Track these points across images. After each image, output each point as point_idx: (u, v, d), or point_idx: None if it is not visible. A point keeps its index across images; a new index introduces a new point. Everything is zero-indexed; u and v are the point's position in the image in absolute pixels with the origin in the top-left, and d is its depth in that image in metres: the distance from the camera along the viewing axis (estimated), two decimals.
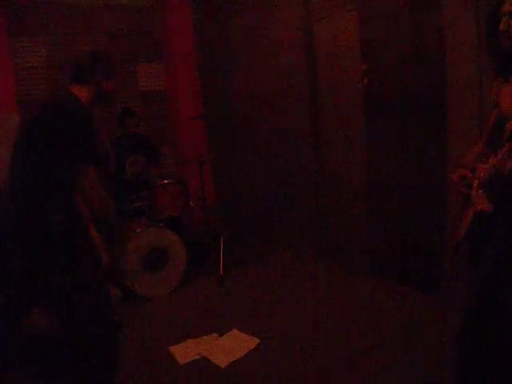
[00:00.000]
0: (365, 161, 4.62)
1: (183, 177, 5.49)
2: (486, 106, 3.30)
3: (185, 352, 3.61)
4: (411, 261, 4.29)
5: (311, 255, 5.28)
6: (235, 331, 3.86)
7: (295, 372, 3.24)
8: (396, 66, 4.21)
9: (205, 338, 3.79)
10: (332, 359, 3.33)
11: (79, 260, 2.61)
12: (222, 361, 3.45)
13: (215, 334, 3.84)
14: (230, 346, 3.65)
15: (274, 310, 4.19)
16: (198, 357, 3.53)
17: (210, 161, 5.68)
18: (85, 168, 2.56)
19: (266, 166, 5.81)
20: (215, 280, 4.88)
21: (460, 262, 2.51)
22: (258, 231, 5.92)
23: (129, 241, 4.51)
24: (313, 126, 5.12)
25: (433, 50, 3.83)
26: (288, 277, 4.89)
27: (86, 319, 2.61)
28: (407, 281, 4.29)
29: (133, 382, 3.23)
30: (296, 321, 3.97)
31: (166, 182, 5.03)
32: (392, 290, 4.31)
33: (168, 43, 6.28)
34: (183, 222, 5.29)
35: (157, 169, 5.45)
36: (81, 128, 2.55)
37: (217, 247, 5.15)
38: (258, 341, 3.67)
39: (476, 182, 2.33)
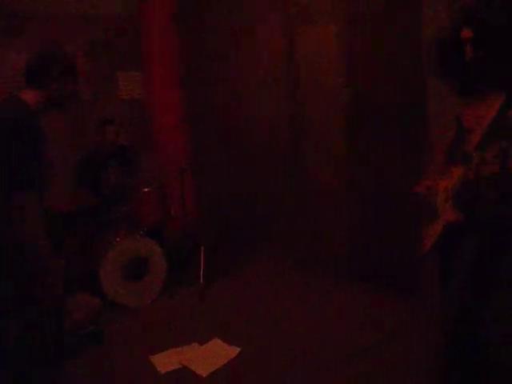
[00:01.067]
0: (345, 169, 4.65)
1: (164, 185, 5.47)
2: None
3: (165, 361, 3.59)
4: (392, 267, 4.32)
5: (292, 263, 5.28)
6: (216, 340, 3.85)
7: (276, 381, 3.24)
8: (376, 77, 4.26)
9: (185, 347, 3.78)
10: (313, 368, 3.34)
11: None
12: (202, 370, 3.44)
13: (196, 344, 3.83)
14: (210, 356, 3.64)
15: (254, 319, 4.19)
16: (178, 366, 3.51)
17: (190, 169, 5.66)
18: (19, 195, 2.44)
19: (247, 175, 5.82)
20: (196, 289, 4.85)
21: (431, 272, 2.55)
22: (240, 240, 5.92)
23: (109, 250, 4.48)
24: (294, 135, 5.14)
25: (413, 61, 3.88)
26: (269, 285, 4.89)
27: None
28: (389, 287, 4.31)
29: None
30: (277, 330, 3.97)
31: (145, 190, 5.00)
32: (374, 296, 4.33)
33: (148, 51, 6.27)
34: (164, 230, 5.26)
35: (133, 180, 5.38)
36: (20, 139, 2.41)
37: (198, 256, 5.13)
38: (238, 350, 3.67)
39: (442, 193, 2.36)
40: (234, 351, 3.67)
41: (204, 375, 3.38)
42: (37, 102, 2.57)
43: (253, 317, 4.24)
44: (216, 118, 6.15)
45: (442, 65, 2.49)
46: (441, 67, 2.51)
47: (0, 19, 5.30)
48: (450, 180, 2.32)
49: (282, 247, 5.47)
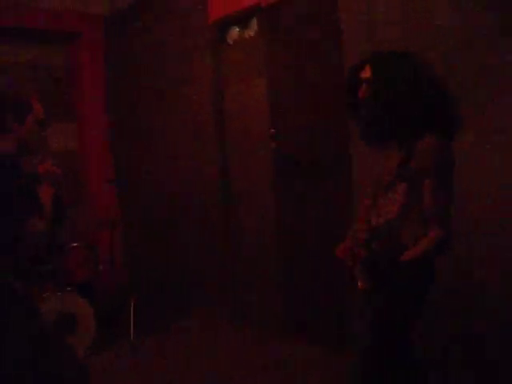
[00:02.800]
0: (274, 220, 4.71)
1: (92, 240, 5.38)
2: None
3: None
4: (324, 321, 4.34)
5: (225, 318, 5.22)
6: None
7: None
8: (303, 129, 4.39)
9: None
10: None
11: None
12: None
13: None
14: None
15: (188, 375, 4.11)
16: None
17: (120, 224, 5.60)
18: None
19: (176, 228, 5.79)
20: (127, 345, 4.73)
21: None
22: (170, 294, 5.83)
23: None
24: (222, 186, 5.19)
25: (338, 116, 4.01)
26: (203, 339, 4.83)
27: None
28: (320, 341, 4.32)
29: None
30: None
31: (74, 245, 4.90)
32: (306, 350, 4.32)
33: (79, 103, 6.26)
34: (92, 286, 5.14)
35: (60, 231, 5.24)
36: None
37: (127, 312, 5.02)
38: None
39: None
40: None
41: None
42: (9, 146, 2.55)
43: (186, 372, 4.16)
44: (145, 172, 6.14)
45: (346, 105, 2.60)
46: (346, 108, 2.62)
47: None
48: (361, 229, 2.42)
49: (214, 301, 5.41)
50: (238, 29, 4.91)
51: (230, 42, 4.99)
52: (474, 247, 3.21)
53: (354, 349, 3.91)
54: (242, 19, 4.84)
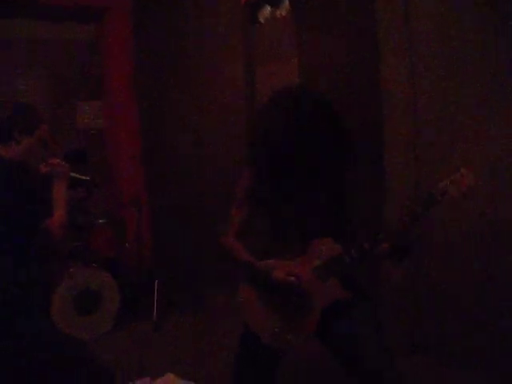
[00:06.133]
0: None
1: (120, 217, 5.39)
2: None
3: None
4: None
5: None
6: (170, 375, 3.74)
7: None
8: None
9: (137, 382, 3.66)
10: None
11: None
12: None
13: (148, 378, 3.71)
14: None
15: (209, 355, 4.11)
16: None
17: (147, 202, 5.62)
18: None
19: (203, 208, 5.77)
20: (149, 323, 4.75)
21: None
22: (195, 274, 5.84)
23: (62, 280, 4.36)
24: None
25: (371, 102, 3.94)
26: (224, 320, 4.81)
27: None
28: None
29: None
30: (231, 365, 3.88)
31: (101, 221, 4.92)
32: None
33: (107, 80, 6.25)
34: (118, 263, 5.17)
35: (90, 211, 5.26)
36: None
37: (152, 290, 5.04)
38: None
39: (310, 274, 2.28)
40: None
41: None
42: (13, 155, 2.53)
43: (207, 352, 4.16)
44: (174, 150, 6.12)
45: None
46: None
47: None
48: (316, 260, 2.28)
49: (237, 281, 5.39)
50: (269, 8, 4.84)
51: (262, 20, 4.92)
52: None
53: None
54: None
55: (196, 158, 5.82)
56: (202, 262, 5.80)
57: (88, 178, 4.77)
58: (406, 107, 3.65)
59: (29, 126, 2.58)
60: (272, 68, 4.88)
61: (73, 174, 3.02)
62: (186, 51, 5.79)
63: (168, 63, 6.07)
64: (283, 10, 4.69)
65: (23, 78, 5.64)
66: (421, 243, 2.22)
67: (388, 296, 3.80)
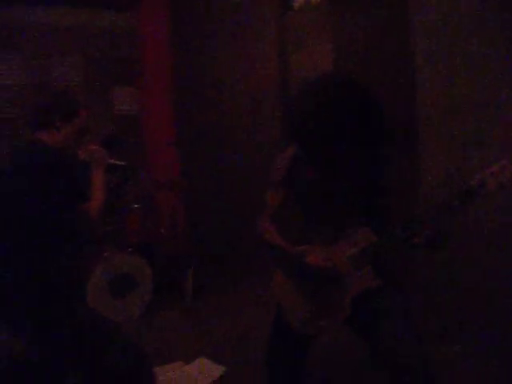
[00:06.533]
0: None
1: (154, 202, 5.44)
2: None
3: None
4: None
5: None
6: (202, 359, 3.79)
7: None
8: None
9: (170, 365, 3.72)
10: None
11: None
12: None
13: (181, 362, 3.77)
14: (195, 375, 3.58)
15: (242, 339, 4.13)
16: None
17: (182, 187, 5.65)
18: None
19: (239, 193, 5.80)
20: (183, 308, 4.81)
21: None
22: (230, 258, 5.87)
23: (97, 264, 4.43)
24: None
25: (405, 84, 3.90)
26: (258, 305, 4.84)
27: None
28: None
29: None
30: (264, 348, 3.91)
31: (136, 206, 4.97)
32: None
33: (144, 67, 6.30)
34: (153, 248, 5.22)
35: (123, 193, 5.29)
36: (55, 173, 2.42)
37: (186, 275, 5.09)
38: (224, 369, 3.62)
39: (347, 262, 2.28)
40: (219, 370, 3.61)
41: None
42: (54, 141, 2.57)
43: (241, 336, 4.19)
44: (208, 136, 6.15)
45: None
46: None
47: None
48: (350, 248, 2.27)
49: (272, 268, 5.41)
50: None
51: (296, 7, 4.90)
52: None
53: None
54: None
55: (230, 143, 5.84)
56: (236, 247, 5.84)
57: (125, 164, 4.81)
58: (441, 92, 3.60)
59: (69, 113, 2.62)
60: (306, 54, 4.86)
61: (110, 160, 3.03)
62: (221, 37, 5.80)
63: (203, 50, 6.08)
64: None
65: (60, 65, 5.71)
66: (454, 234, 2.18)
67: (417, 285, 3.79)
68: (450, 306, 3.62)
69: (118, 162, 4.58)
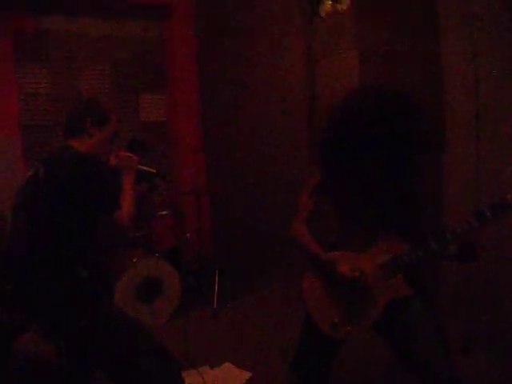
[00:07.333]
0: None
1: (181, 208, 5.50)
2: None
3: None
4: None
5: None
6: (227, 364, 3.83)
7: None
8: None
9: (196, 370, 3.74)
10: None
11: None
12: None
13: (207, 367, 3.80)
14: (221, 380, 3.61)
15: (268, 344, 4.15)
16: None
17: (207, 193, 5.70)
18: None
19: (263, 200, 5.82)
20: (209, 312, 4.84)
21: None
22: (254, 264, 5.90)
23: (125, 269, 4.48)
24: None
25: (432, 90, 3.89)
26: (283, 311, 4.86)
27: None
28: None
29: None
30: (290, 355, 3.92)
31: (163, 213, 5.03)
32: None
33: (171, 74, 6.37)
34: (179, 253, 5.27)
35: (150, 199, 5.36)
36: (89, 179, 2.45)
37: (212, 279, 5.13)
38: (250, 374, 3.64)
39: (376, 271, 2.30)
40: (245, 376, 3.64)
41: None
42: (87, 147, 2.61)
43: (266, 342, 4.21)
44: (235, 144, 6.19)
45: None
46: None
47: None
48: (382, 256, 2.30)
49: (296, 273, 5.42)
50: (330, 1, 4.83)
51: (323, 14, 4.92)
52: None
53: None
54: None
55: (256, 150, 5.87)
56: (262, 251, 5.87)
57: (155, 171, 4.85)
58: (467, 96, 3.59)
59: (100, 120, 2.66)
60: (333, 61, 4.87)
61: (140, 167, 3.07)
62: (247, 45, 5.84)
63: (229, 57, 6.13)
64: (344, 4, 4.68)
65: (88, 72, 5.81)
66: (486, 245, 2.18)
67: (446, 294, 3.78)
68: (477, 315, 3.60)
69: (147, 169, 4.61)
